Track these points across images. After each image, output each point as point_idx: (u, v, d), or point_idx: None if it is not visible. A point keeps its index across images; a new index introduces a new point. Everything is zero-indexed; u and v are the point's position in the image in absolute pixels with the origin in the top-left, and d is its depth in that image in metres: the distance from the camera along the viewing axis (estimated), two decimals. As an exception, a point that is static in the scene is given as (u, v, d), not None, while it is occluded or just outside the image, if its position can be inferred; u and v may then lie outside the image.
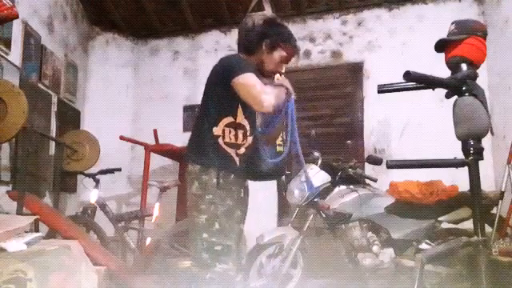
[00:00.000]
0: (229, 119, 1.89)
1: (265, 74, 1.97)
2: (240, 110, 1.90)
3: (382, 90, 1.85)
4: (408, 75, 1.52)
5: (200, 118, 1.96)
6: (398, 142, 4.11)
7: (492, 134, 1.64)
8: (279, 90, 1.84)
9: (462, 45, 1.71)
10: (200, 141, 1.91)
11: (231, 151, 1.90)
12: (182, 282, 2.58)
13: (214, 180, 1.84)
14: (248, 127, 1.93)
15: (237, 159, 1.91)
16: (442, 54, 1.79)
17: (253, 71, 1.84)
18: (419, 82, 1.65)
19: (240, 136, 1.91)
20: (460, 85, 1.66)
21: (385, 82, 1.86)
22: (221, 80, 1.88)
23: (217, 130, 1.88)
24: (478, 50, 1.72)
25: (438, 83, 1.67)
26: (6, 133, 2.62)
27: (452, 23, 1.79)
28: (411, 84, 1.75)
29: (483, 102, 1.65)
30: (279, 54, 1.96)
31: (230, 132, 1.89)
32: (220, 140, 1.88)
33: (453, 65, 1.74)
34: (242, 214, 1.97)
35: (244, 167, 1.95)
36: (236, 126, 1.90)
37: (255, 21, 2.16)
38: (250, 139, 1.95)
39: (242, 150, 1.93)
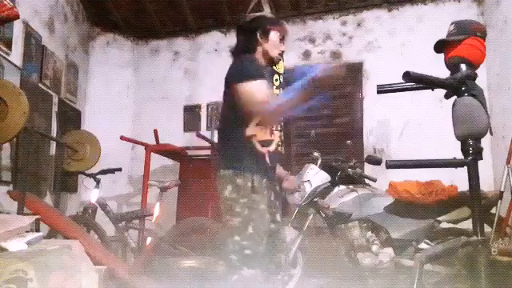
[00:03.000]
0: (258, 117, 1.85)
1: (275, 60, 2.04)
2: None
3: (382, 90, 1.86)
4: (407, 76, 1.52)
5: (227, 122, 1.96)
6: (398, 142, 4.12)
7: (491, 134, 1.65)
8: (281, 109, 1.84)
9: (461, 45, 1.71)
10: (232, 145, 1.89)
11: (264, 150, 1.86)
12: (191, 277, 2.61)
13: (249, 184, 1.83)
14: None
15: (267, 158, 1.87)
16: (442, 55, 1.80)
17: (263, 76, 1.86)
18: (419, 82, 1.66)
19: (269, 132, 1.89)
20: (459, 85, 1.66)
21: (384, 82, 1.87)
22: (238, 81, 1.87)
23: (249, 131, 1.84)
24: (477, 50, 1.73)
25: (437, 83, 1.68)
26: (7, 133, 2.63)
27: (451, 24, 1.79)
28: (410, 84, 1.76)
29: (482, 103, 1.66)
30: (274, 35, 2.01)
31: (261, 129, 1.86)
32: (254, 140, 1.85)
33: (452, 65, 1.74)
34: (271, 217, 1.95)
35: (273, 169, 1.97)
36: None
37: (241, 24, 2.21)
38: (277, 134, 1.97)
39: (273, 147, 1.90)
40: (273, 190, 1.99)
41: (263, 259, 1.83)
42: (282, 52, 2.06)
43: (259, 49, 2.00)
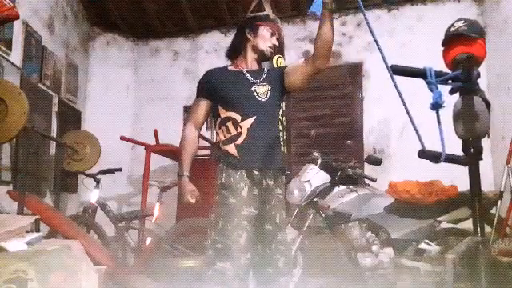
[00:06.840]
0: (218, 121, 2.02)
1: (266, 53, 2.06)
2: (220, 107, 2.00)
3: (396, 69, 1.84)
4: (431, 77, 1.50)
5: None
6: (398, 142, 4.12)
7: (488, 137, 1.64)
8: (180, 154, 2.05)
9: (476, 44, 1.68)
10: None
11: (229, 147, 1.94)
12: (190, 277, 2.62)
13: (219, 181, 1.93)
14: (235, 115, 1.95)
15: (236, 152, 1.92)
16: (441, 56, 1.78)
17: (201, 95, 2.09)
18: (445, 80, 1.64)
19: (231, 127, 1.95)
20: (475, 83, 1.65)
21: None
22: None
23: (218, 138, 2.01)
24: (485, 52, 1.71)
25: (454, 79, 1.65)
26: (7, 133, 2.63)
27: (459, 20, 1.75)
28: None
29: (487, 103, 1.65)
30: (264, 30, 2.06)
31: (222, 131, 1.98)
32: (221, 144, 1.98)
33: (458, 62, 1.70)
34: (261, 212, 1.92)
35: (250, 160, 1.93)
36: (224, 122, 1.98)
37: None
38: (246, 123, 1.94)
39: (242, 139, 1.93)
40: (254, 185, 1.92)
41: (237, 254, 1.82)
42: (274, 46, 2.08)
43: (248, 45, 2.06)
